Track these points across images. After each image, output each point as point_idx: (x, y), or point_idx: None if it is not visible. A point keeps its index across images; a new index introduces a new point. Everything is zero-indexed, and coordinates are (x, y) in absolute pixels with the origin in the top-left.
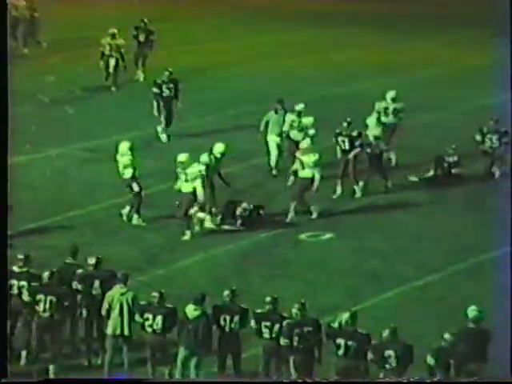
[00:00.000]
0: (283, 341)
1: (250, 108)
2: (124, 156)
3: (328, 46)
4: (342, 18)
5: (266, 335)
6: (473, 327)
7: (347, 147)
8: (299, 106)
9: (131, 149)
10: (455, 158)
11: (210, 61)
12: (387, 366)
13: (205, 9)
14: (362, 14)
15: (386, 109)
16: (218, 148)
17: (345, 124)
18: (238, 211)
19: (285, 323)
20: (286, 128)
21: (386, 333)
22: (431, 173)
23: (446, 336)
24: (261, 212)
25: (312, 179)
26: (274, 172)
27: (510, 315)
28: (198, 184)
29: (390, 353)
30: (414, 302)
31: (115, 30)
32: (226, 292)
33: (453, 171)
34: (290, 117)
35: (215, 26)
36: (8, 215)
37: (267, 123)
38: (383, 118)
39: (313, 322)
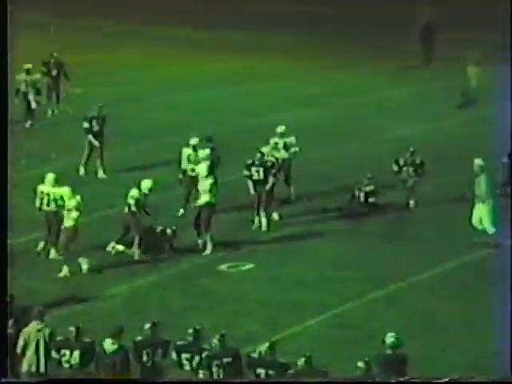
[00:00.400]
0: (203, 373)
1: (171, 139)
2: (55, 187)
3: (251, 77)
4: (264, 48)
5: (187, 367)
6: (390, 353)
7: (261, 177)
8: (193, 140)
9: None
10: (371, 187)
11: (131, 91)
12: None
13: (123, 40)
14: (273, 45)
15: (276, 144)
16: (146, 184)
17: (258, 155)
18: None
19: (204, 355)
20: (183, 164)
21: (300, 362)
22: (348, 202)
23: (360, 364)
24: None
25: (209, 204)
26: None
27: (509, 315)
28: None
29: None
30: (334, 329)
31: (30, 65)
32: (147, 325)
33: (369, 200)
34: (186, 151)
35: (136, 56)
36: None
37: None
38: (275, 153)
39: (232, 353)
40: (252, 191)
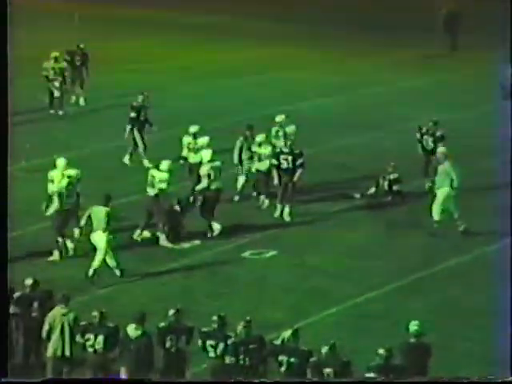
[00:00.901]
0: (229, 359)
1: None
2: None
3: (266, 67)
4: (278, 39)
5: (212, 354)
6: (414, 342)
7: (290, 165)
8: (193, 128)
9: None
10: (395, 175)
11: (151, 80)
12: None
13: (143, 28)
14: (299, 34)
15: (277, 132)
16: (165, 165)
17: (288, 142)
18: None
19: (230, 341)
20: (184, 152)
21: (324, 349)
22: (372, 190)
23: (381, 351)
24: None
25: (217, 191)
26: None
27: (509, 316)
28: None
29: (328, 371)
30: (356, 318)
31: (57, 53)
32: (171, 311)
33: (393, 188)
34: (185, 139)
35: (153, 45)
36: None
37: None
38: (275, 141)
39: (258, 340)
40: (277, 181)
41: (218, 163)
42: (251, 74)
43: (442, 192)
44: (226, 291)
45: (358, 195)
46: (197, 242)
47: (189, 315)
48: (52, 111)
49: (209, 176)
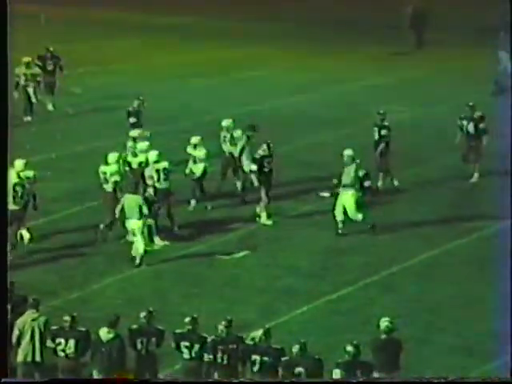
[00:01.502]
0: (207, 357)
1: (159, 128)
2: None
3: (239, 66)
4: (250, 38)
5: (186, 355)
6: (385, 338)
7: (270, 168)
8: (133, 132)
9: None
10: (363, 172)
11: (118, 81)
12: (295, 380)
13: (112, 30)
14: (271, 33)
15: (224, 137)
16: (153, 156)
17: (264, 146)
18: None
19: (209, 339)
20: (128, 157)
21: (295, 348)
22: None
23: (349, 348)
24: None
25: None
26: None
27: (509, 316)
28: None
29: (300, 370)
30: (328, 316)
31: (29, 59)
32: (143, 314)
33: (365, 184)
34: (128, 144)
35: (123, 47)
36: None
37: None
38: (223, 146)
39: (237, 340)
40: (257, 183)
41: (164, 164)
42: (224, 73)
43: (345, 193)
44: (198, 292)
45: (327, 194)
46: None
47: (161, 317)
48: (27, 118)
49: (152, 177)
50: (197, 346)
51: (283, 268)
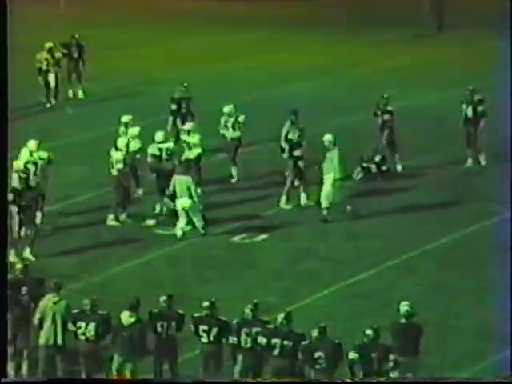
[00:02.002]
0: (231, 339)
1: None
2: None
3: (253, 50)
4: (264, 21)
5: (204, 339)
6: (404, 322)
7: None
8: (125, 118)
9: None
10: (379, 157)
11: (142, 66)
12: (317, 366)
13: (131, 14)
14: (284, 16)
15: (226, 122)
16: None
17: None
18: None
19: (234, 322)
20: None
21: (315, 333)
22: (361, 174)
23: (368, 332)
24: None
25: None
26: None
27: (509, 316)
28: None
29: (319, 354)
30: (348, 300)
31: (51, 44)
32: (163, 298)
33: (382, 168)
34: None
35: (142, 31)
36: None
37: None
38: (224, 132)
39: (262, 324)
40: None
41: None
42: (238, 57)
43: (327, 179)
44: (217, 276)
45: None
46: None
47: (180, 301)
48: (48, 104)
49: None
50: (215, 330)
51: (302, 251)
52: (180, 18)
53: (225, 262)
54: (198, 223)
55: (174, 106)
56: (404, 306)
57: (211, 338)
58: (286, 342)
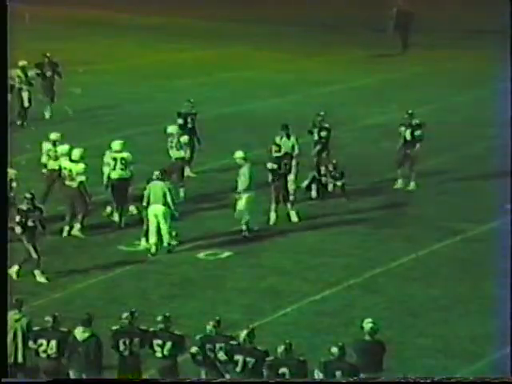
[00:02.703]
0: (194, 349)
1: (144, 129)
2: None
3: (216, 66)
4: (227, 38)
5: (158, 354)
6: (369, 339)
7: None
8: (54, 135)
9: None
10: (336, 173)
11: (100, 80)
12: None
13: (95, 29)
14: (248, 34)
15: (171, 142)
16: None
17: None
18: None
19: (197, 337)
20: (43, 159)
21: (280, 349)
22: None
23: (333, 350)
24: None
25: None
26: None
27: (509, 316)
28: None
29: (284, 370)
30: (312, 317)
31: (25, 63)
32: (125, 314)
33: (337, 184)
34: (45, 145)
35: (105, 46)
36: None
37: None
38: (170, 152)
39: (225, 339)
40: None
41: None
42: (200, 74)
43: (241, 195)
44: (182, 292)
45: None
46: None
47: (143, 317)
48: (18, 122)
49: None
50: (169, 345)
51: (267, 268)
52: (143, 33)
53: (189, 279)
54: (166, 235)
55: (180, 121)
56: (368, 323)
57: (165, 353)
58: (248, 359)
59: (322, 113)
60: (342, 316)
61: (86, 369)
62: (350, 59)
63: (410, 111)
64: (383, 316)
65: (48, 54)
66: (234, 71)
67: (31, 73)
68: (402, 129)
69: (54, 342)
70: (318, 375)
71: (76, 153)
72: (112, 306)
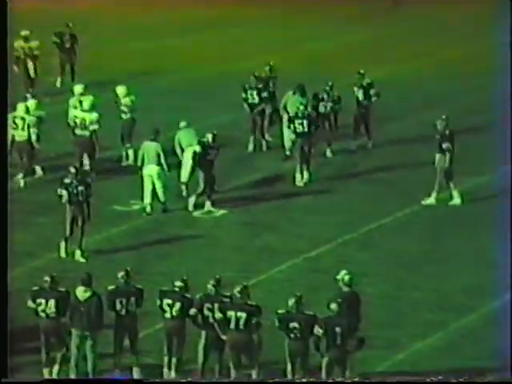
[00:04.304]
0: (192, 311)
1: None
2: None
3: (214, 24)
4: None
5: (167, 314)
6: (347, 290)
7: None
8: (79, 88)
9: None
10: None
11: (94, 39)
12: (292, 335)
13: None
14: None
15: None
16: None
17: (301, 107)
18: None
19: (197, 296)
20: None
21: (291, 301)
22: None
23: (332, 306)
24: None
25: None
26: None
27: (509, 316)
28: None
29: (294, 325)
30: (307, 273)
31: (27, 32)
32: (121, 273)
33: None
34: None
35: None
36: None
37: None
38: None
39: (221, 298)
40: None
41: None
42: (198, 31)
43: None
44: (177, 251)
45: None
46: None
47: (139, 276)
48: (28, 95)
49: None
50: (178, 305)
51: (262, 226)
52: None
53: (184, 237)
54: (161, 194)
55: (260, 85)
56: (346, 275)
57: (174, 313)
58: (239, 314)
59: (330, 83)
60: (337, 272)
61: (88, 328)
62: (341, 15)
63: (361, 71)
64: (378, 271)
65: (70, 25)
66: (225, 29)
67: (34, 43)
68: (355, 89)
69: (52, 302)
70: (318, 331)
71: (86, 101)
72: (108, 266)
